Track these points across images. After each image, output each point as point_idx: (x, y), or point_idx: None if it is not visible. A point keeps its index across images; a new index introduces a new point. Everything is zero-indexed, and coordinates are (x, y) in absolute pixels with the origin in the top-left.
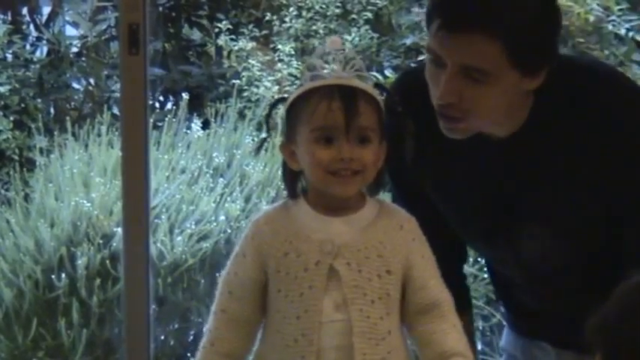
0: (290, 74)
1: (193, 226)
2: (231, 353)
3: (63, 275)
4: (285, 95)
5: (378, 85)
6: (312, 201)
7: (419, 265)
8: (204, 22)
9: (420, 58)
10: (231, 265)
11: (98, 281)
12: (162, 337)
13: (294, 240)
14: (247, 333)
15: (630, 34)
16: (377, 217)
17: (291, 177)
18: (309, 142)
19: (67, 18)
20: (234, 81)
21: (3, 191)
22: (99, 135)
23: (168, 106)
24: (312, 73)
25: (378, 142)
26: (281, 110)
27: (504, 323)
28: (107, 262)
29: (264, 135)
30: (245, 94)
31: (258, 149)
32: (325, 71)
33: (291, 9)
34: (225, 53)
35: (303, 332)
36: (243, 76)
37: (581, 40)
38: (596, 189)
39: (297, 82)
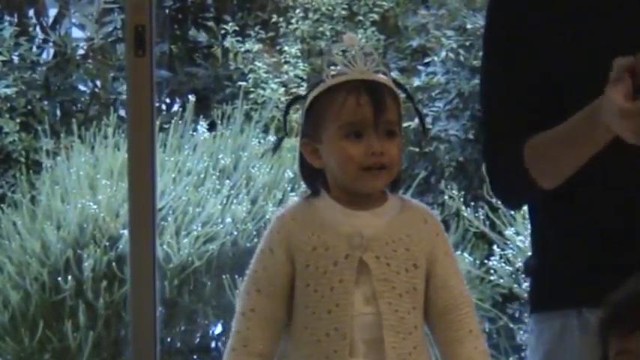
0: (296, 76)
1: (200, 228)
2: (264, 353)
3: (69, 277)
4: (303, 93)
5: (394, 82)
6: (335, 196)
7: (442, 262)
8: (211, 23)
9: (427, 60)
10: (258, 263)
11: (104, 283)
12: (169, 339)
13: (321, 234)
14: (277, 331)
15: None
16: (401, 211)
17: (311, 175)
18: (337, 139)
19: (74, 20)
20: (240, 83)
21: (9, 193)
22: (105, 137)
23: (175, 108)
24: (333, 70)
25: (400, 135)
26: (300, 109)
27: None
28: (113, 264)
29: (280, 135)
30: (251, 96)
31: (275, 149)
32: (346, 67)
33: (298, 11)
34: (231, 55)
35: (336, 326)
36: (249, 78)
37: None
38: None
39: (304, 83)
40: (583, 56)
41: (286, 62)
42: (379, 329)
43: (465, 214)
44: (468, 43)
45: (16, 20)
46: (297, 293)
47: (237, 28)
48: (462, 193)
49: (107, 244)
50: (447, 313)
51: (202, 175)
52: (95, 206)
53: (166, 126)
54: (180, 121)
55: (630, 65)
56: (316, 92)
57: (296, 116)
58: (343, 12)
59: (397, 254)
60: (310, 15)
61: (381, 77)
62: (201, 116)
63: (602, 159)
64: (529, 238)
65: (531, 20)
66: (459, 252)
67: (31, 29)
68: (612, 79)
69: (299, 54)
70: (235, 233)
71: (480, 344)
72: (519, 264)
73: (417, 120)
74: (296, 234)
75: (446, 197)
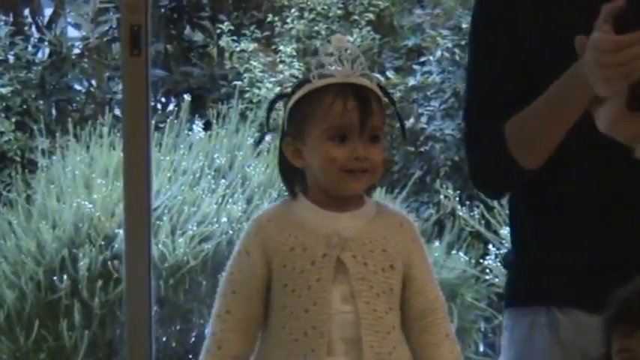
0: (292, 75)
1: (195, 228)
2: (239, 355)
3: (65, 277)
4: (287, 92)
5: (378, 86)
6: (313, 198)
7: (418, 267)
8: (206, 23)
9: (422, 59)
10: (234, 265)
11: (100, 283)
12: (164, 339)
13: (299, 234)
14: (253, 333)
15: None
16: (377, 214)
17: (291, 174)
18: (322, 141)
19: (69, 19)
20: (235, 82)
21: (5, 193)
22: (100, 136)
23: (170, 107)
24: (320, 70)
25: (384, 140)
26: (285, 107)
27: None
28: (109, 263)
29: (265, 131)
30: (247, 95)
31: (258, 143)
32: (333, 69)
33: (293, 10)
34: (227, 54)
35: (314, 325)
36: (244, 78)
37: None
38: None
39: None
40: (557, 46)
41: (282, 62)
42: (357, 328)
43: (461, 214)
44: (463, 43)
45: (11, 20)
46: (274, 294)
47: (232, 28)
48: (458, 192)
49: (102, 243)
50: (423, 317)
51: (198, 175)
52: (90, 205)
53: (162, 125)
54: (175, 121)
55: (616, 11)
56: (302, 93)
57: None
58: (339, 11)
59: (374, 254)
60: (306, 14)
61: (368, 82)
62: (197, 115)
63: (578, 158)
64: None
65: (511, 13)
66: (454, 251)
67: (26, 28)
68: (598, 23)
69: (294, 53)
70: (231, 232)
71: (455, 348)
72: None
73: (412, 119)
74: (273, 236)
75: (441, 197)
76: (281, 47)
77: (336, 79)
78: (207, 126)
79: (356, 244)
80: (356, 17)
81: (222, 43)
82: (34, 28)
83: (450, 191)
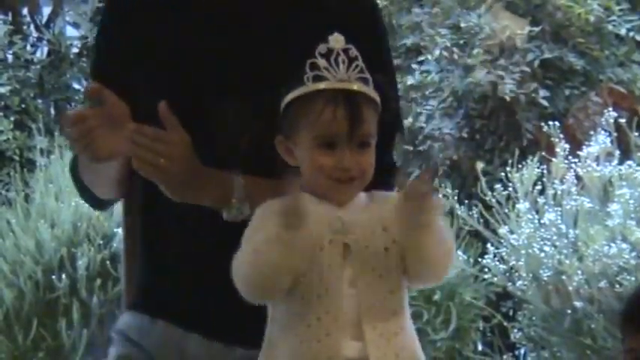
0: None
1: None
2: None
3: (63, 276)
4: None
5: (376, 85)
6: (309, 191)
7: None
8: None
9: (421, 58)
10: (252, 235)
11: (98, 282)
12: None
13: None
14: None
15: (630, 34)
16: (372, 200)
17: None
18: (310, 147)
19: (68, 18)
20: None
21: (3, 192)
22: None
23: None
24: (314, 72)
25: (375, 142)
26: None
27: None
28: (107, 262)
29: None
30: None
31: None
32: (328, 73)
33: None
34: None
35: (327, 309)
36: None
37: (582, 40)
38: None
39: None
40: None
41: None
42: (362, 310)
43: (459, 213)
44: (461, 42)
45: (10, 19)
46: None
47: None
48: (456, 191)
49: (101, 242)
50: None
51: None
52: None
53: None
54: None
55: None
56: (294, 95)
57: None
58: None
59: (375, 235)
60: None
61: (361, 87)
62: None
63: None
64: (521, 237)
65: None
66: None
67: (25, 28)
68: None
69: None
70: None
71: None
72: (513, 262)
73: (410, 119)
74: None
75: (440, 195)
76: None
77: (329, 83)
78: None
79: (357, 227)
80: None
81: None
82: (32, 27)
83: (449, 190)
